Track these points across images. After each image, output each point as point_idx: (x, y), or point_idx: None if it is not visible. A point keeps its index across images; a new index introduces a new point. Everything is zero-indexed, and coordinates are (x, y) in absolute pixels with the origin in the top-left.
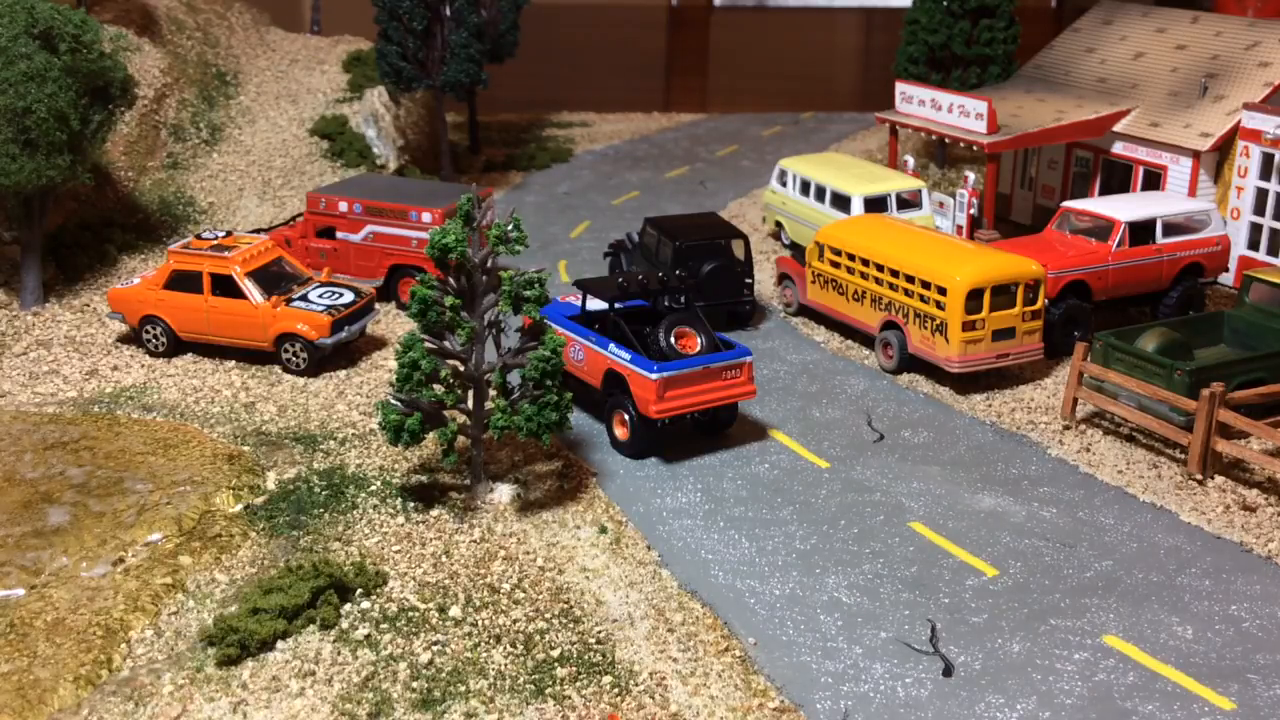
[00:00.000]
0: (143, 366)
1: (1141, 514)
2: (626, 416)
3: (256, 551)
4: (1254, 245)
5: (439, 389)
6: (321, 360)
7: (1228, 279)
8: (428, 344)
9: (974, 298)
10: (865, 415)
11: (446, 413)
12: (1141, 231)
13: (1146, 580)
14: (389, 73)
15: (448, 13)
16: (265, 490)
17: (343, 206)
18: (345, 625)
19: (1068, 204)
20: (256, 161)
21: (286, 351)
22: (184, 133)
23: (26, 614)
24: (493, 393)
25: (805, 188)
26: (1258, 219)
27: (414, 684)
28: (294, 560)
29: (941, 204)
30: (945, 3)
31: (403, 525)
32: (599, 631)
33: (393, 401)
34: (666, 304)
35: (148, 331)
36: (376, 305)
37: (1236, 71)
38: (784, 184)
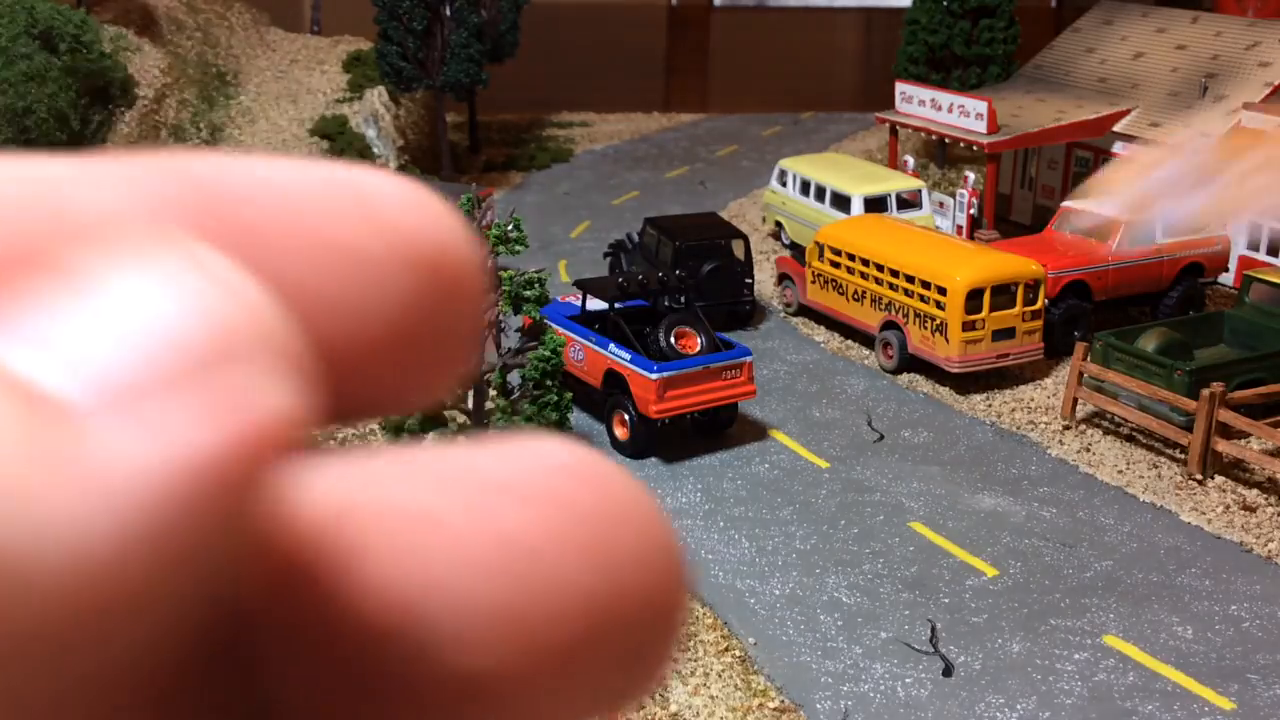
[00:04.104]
0: None
1: (1141, 514)
2: (626, 416)
3: None
4: (1254, 245)
5: None
6: None
7: (1228, 279)
8: None
9: (974, 298)
10: (865, 415)
11: (446, 413)
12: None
13: (1146, 580)
14: (389, 73)
15: (448, 13)
16: None
17: None
18: None
19: (1068, 204)
20: None
21: None
22: (184, 133)
23: None
24: (493, 393)
25: (805, 188)
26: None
27: None
28: None
29: (941, 204)
30: (945, 3)
31: None
32: None
33: None
34: (666, 304)
35: None
36: None
37: (1236, 71)
38: (784, 184)
